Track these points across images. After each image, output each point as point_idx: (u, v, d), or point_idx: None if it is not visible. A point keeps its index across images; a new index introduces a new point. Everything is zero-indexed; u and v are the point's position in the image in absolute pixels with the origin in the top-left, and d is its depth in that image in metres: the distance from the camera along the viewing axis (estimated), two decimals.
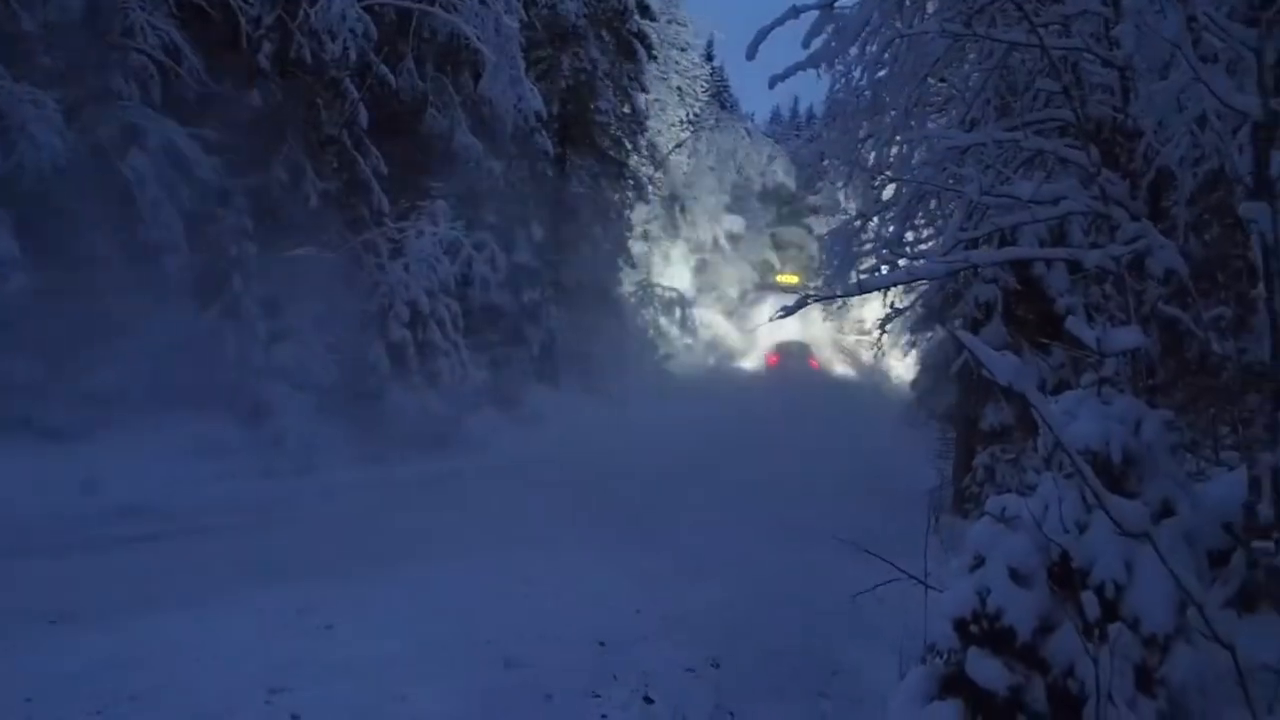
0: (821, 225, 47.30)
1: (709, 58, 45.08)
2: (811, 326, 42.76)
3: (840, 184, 11.73)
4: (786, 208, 52.68)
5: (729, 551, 11.26)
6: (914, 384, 17.52)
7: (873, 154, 10.03)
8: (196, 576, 8.89)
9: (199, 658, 6.75)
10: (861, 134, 10.07)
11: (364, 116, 18.12)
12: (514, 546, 10.80)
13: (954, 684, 4.51)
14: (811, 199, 53.58)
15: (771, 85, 6.07)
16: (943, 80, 8.55)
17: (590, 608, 8.73)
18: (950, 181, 6.23)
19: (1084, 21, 6.08)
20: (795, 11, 5.91)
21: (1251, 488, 4.67)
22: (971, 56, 8.01)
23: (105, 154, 14.33)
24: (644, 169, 33.73)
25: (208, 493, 13.36)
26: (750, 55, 6.08)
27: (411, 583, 9.09)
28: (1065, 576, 4.38)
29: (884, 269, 9.86)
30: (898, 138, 9.60)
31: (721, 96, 47.70)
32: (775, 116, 66.12)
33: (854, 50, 7.80)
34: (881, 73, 8.84)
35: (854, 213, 15.25)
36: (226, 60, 16.10)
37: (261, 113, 16.56)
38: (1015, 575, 4.38)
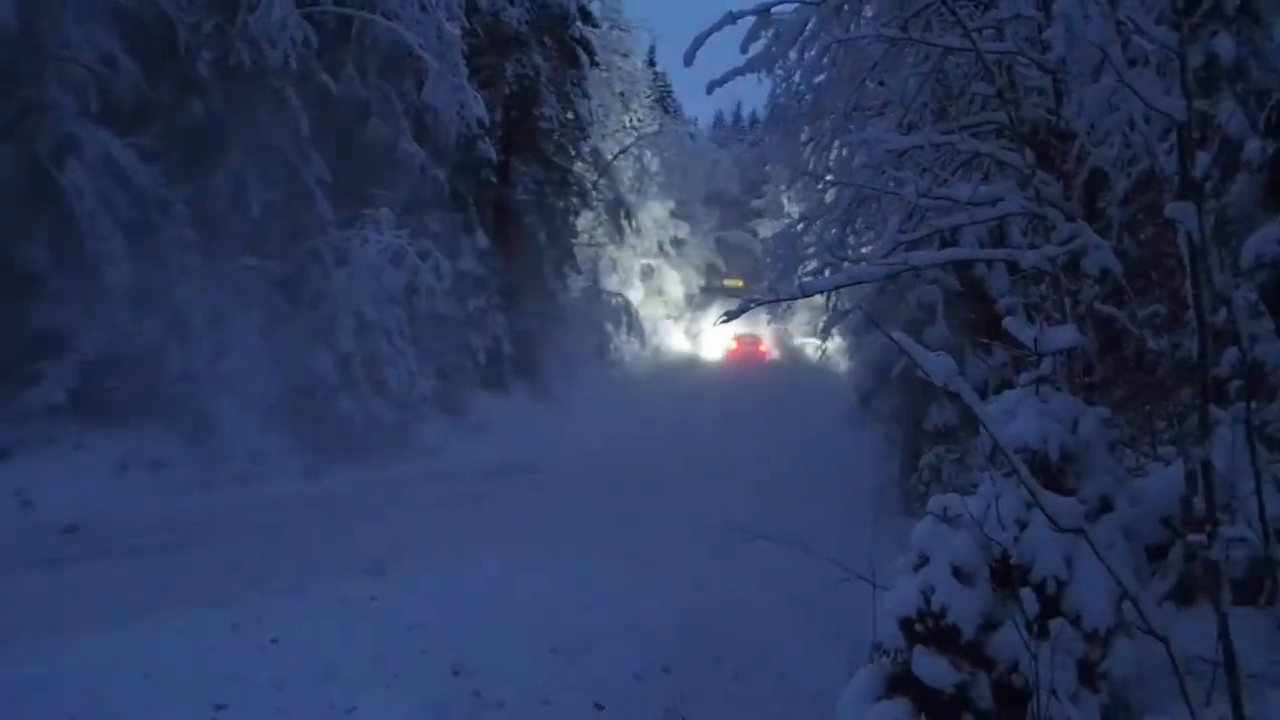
0: (766, 229, 47.62)
1: (651, 63, 45.15)
2: (759, 328, 43.96)
3: (783, 188, 11.83)
4: (732, 212, 52.88)
5: (677, 555, 11.27)
6: (857, 386, 17.59)
7: (813, 158, 10.12)
8: (131, 594, 8.77)
9: (135, 678, 6.65)
10: (803, 138, 10.15)
11: (306, 124, 17.93)
12: (463, 555, 10.74)
13: (901, 683, 4.56)
14: (756, 203, 53.89)
15: (709, 90, 6.11)
16: (881, 84, 8.63)
17: (541, 615, 8.71)
18: (890, 185, 6.30)
19: (1017, 25, 6.18)
20: (732, 17, 5.95)
21: (1188, 482, 4.76)
22: (909, 61, 8.09)
23: (42, 165, 14.08)
24: (589, 175, 33.70)
25: (148, 508, 13.16)
26: (688, 61, 6.11)
27: (358, 594, 9.03)
28: (1007, 574, 4.44)
29: (826, 272, 9.96)
30: (837, 142, 9.70)
31: (665, 102, 47.81)
32: (719, 121, 66.35)
33: (793, 55, 7.86)
34: (820, 77, 8.91)
35: (796, 216, 15.35)
36: (165, 68, 15.88)
37: (202, 121, 16.36)
38: (958, 574, 4.44)
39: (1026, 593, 3.99)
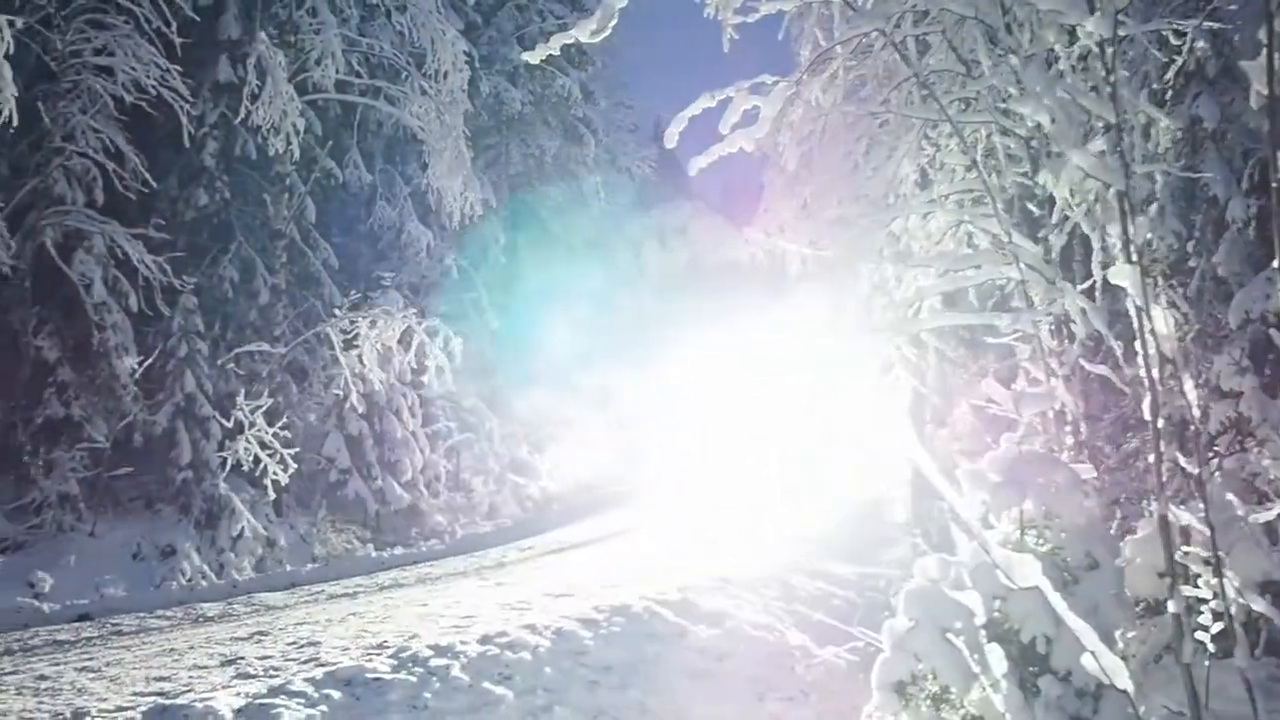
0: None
1: (657, 138, 45.68)
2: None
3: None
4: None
5: None
6: None
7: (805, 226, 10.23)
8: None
9: None
10: (799, 204, 10.28)
11: (312, 210, 18.28)
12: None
13: None
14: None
15: (693, 171, 6.21)
16: (866, 153, 8.79)
17: None
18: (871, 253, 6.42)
19: (993, 96, 6.33)
20: (711, 97, 6.09)
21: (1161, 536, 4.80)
22: (890, 134, 8.24)
23: (50, 257, 14.35)
24: (595, 252, 33.97)
25: (164, 595, 13.23)
26: (669, 142, 6.24)
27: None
28: (998, 633, 4.48)
29: None
30: (826, 208, 9.82)
31: (674, 176, 48.30)
32: (727, 192, 66.67)
33: (782, 136, 8.01)
34: (808, 147, 9.06)
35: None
36: (170, 159, 16.24)
37: (208, 210, 16.70)
38: (946, 636, 4.48)
39: (993, 648, 4.02)
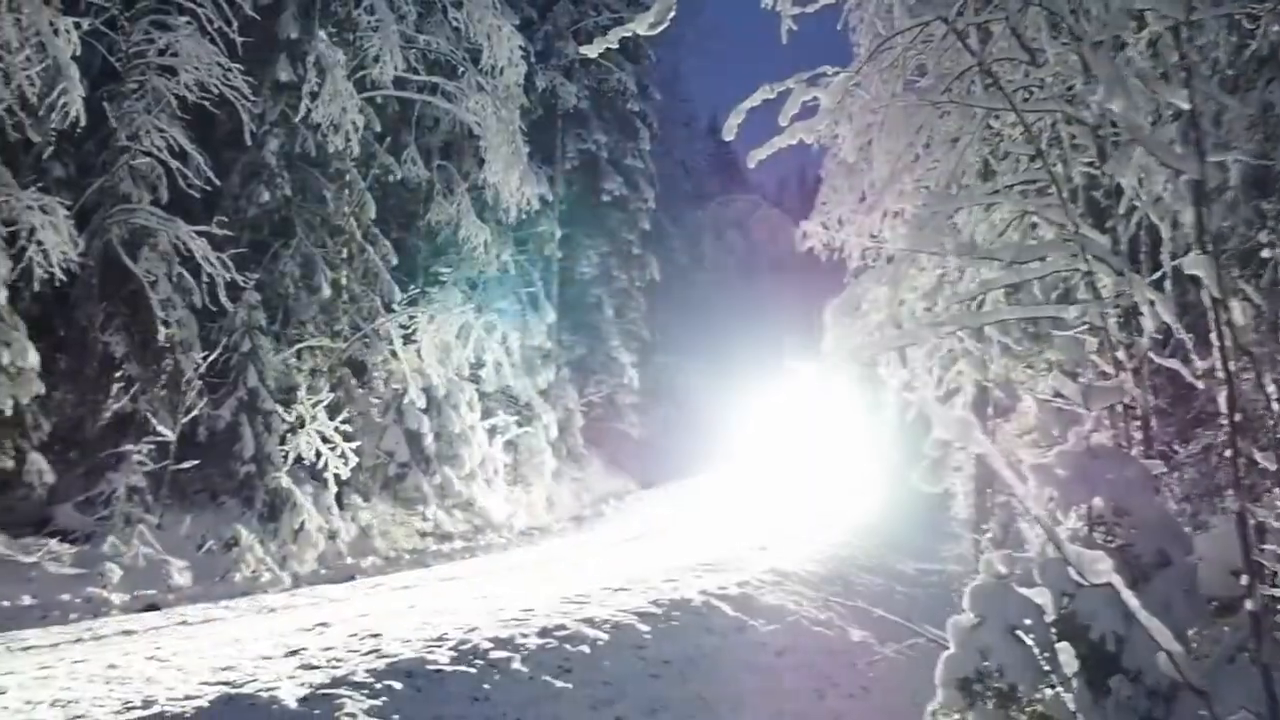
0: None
1: (713, 130, 45.58)
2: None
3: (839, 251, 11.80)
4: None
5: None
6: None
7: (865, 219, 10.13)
8: None
9: None
10: (857, 197, 10.17)
11: (371, 206, 18.45)
12: None
13: None
14: None
15: (752, 164, 6.17)
16: (926, 146, 8.67)
17: None
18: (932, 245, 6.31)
19: (1058, 83, 6.21)
20: (771, 89, 6.05)
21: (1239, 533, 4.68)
22: (954, 122, 8.11)
23: (117, 256, 14.60)
24: (650, 248, 33.96)
25: (220, 589, 13.46)
26: (728, 135, 6.21)
27: None
28: (1065, 631, 4.39)
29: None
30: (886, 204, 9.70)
31: (729, 169, 48.17)
32: (783, 185, 66.30)
33: (841, 127, 7.92)
34: (867, 139, 8.96)
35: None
36: (232, 157, 16.45)
37: (270, 207, 16.89)
38: (1014, 633, 4.40)
39: (1064, 646, 3.94)
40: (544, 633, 9.19)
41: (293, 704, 7.02)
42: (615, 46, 5.32)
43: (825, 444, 26.34)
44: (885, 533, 19.58)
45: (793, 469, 28.38)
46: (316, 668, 8.01)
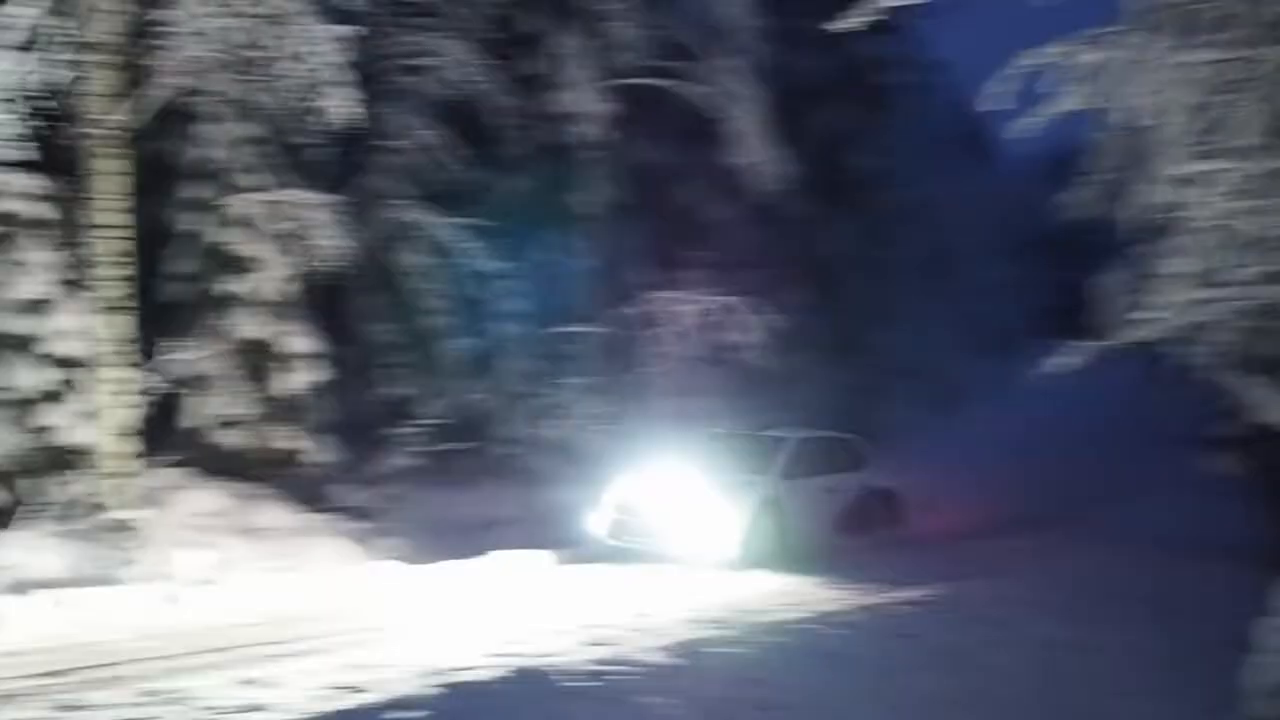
0: None
1: (958, 102, 43.73)
2: None
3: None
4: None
5: None
6: None
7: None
8: None
9: None
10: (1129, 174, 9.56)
11: (618, 193, 18.75)
12: None
13: None
14: None
15: (1018, 134, 5.86)
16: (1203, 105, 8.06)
17: None
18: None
19: None
20: (1032, 56, 5.74)
21: None
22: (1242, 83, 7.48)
23: (381, 250, 15.47)
24: (904, 224, 32.98)
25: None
26: (988, 105, 5.95)
27: None
28: None
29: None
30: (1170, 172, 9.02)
31: (978, 143, 46.08)
32: (1032, 157, 63.00)
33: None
34: (1139, 101, 8.38)
35: None
36: (485, 151, 17.09)
37: (520, 197, 17.45)
38: None
39: None
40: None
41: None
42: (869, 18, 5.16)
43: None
44: None
45: None
46: (599, 645, 8.27)
